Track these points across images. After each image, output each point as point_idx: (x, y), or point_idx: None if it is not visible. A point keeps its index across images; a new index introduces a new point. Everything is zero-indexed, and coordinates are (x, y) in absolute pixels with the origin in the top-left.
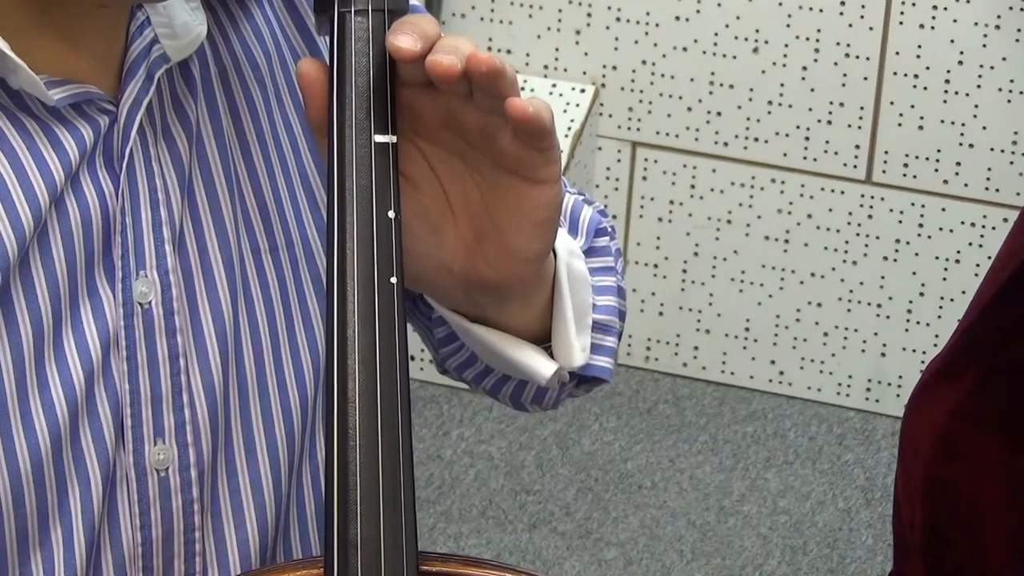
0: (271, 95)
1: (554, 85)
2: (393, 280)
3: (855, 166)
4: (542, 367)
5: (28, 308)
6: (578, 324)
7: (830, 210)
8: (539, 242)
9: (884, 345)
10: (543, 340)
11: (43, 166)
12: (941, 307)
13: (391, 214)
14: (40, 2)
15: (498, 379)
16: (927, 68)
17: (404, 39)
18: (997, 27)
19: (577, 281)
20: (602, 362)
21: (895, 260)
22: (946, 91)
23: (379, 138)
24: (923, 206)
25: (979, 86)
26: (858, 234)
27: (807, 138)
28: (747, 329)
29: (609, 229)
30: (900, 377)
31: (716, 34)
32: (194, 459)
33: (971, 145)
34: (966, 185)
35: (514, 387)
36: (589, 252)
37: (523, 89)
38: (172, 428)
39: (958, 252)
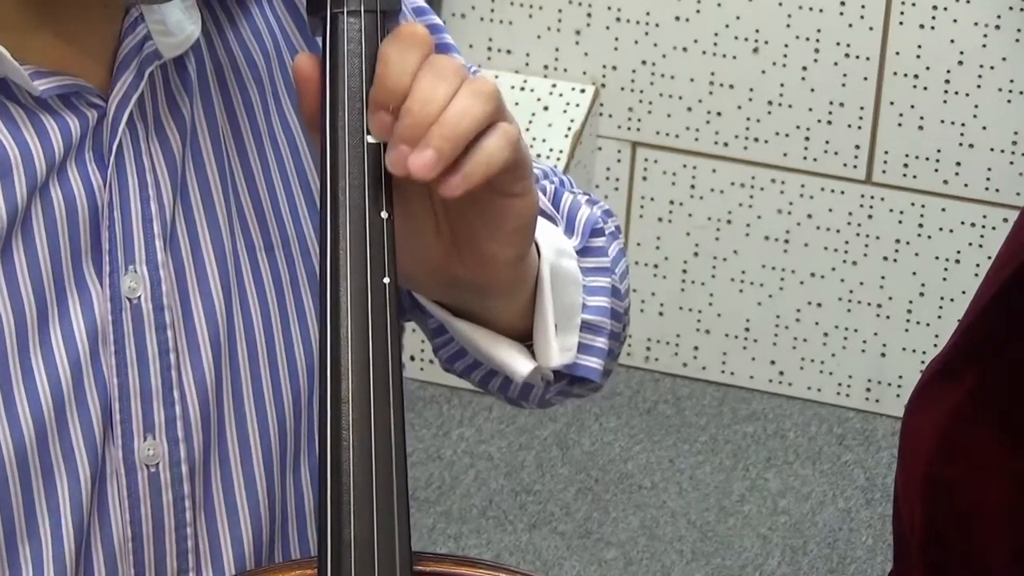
0: (268, 95)
1: (554, 85)
2: (386, 280)
3: (855, 166)
4: (519, 365)
5: (10, 296)
6: (564, 324)
7: (830, 210)
8: (512, 249)
9: (884, 345)
10: (529, 337)
11: (26, 153)
12: (941, 307)
13: (384, 214)
14: (38, 1)
15: (486, 372)
16: (927, 68)
17: (377, 125)
18: (997, 27)
19: (564, 281)
20: (590, 362)
21: (895, 260)
22: (946, 91)
23: (371, 139)
24: (923, 206)
25: (979, 86)
26: (858, 234)
27: (807, 138)
28: (747, 329)
29: (611, 229)
30: (900, 377)
31: (716, 34)
32: (185, 455)
33: (971, 145)
34: (966, 185)
35: (501, 381)
36: (584, 252)
37: (523, 89)
38: (162, 423)
39: (958, 252)
